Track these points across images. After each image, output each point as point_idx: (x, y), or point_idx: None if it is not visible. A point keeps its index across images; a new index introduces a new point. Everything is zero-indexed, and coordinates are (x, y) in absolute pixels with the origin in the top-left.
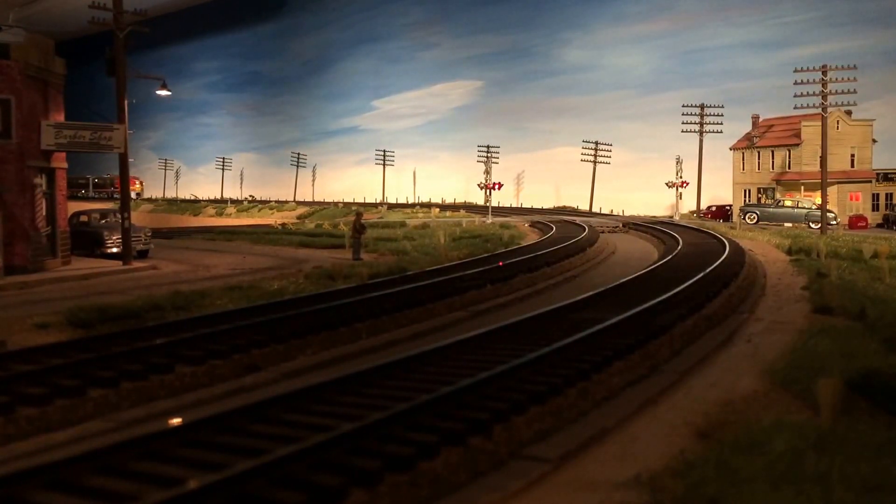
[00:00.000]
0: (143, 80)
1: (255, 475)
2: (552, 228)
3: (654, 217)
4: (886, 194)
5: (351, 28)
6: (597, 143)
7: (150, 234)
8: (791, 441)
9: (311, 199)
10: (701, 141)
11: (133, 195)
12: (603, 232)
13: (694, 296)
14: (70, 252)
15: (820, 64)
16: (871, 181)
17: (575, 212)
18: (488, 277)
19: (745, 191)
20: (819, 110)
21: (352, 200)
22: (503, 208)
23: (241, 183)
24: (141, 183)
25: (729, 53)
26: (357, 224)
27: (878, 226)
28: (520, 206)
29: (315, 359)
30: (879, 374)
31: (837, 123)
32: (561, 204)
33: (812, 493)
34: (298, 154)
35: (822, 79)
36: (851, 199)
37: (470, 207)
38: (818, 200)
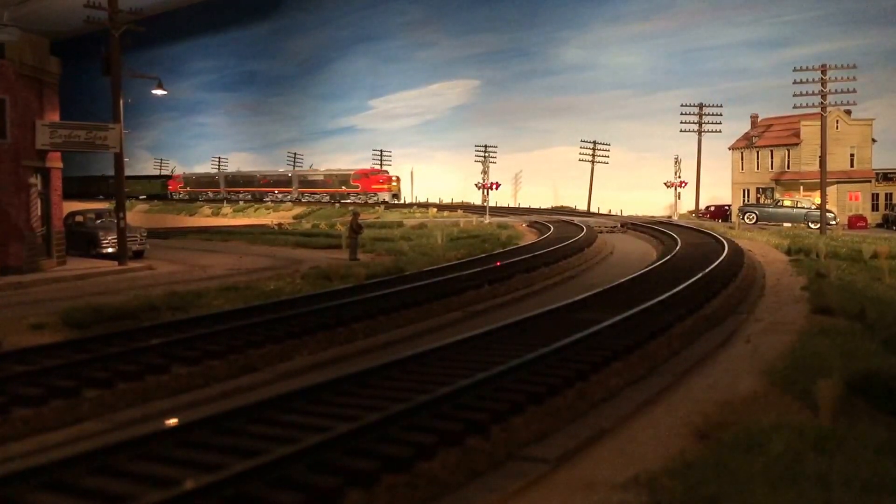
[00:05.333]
0: (139, 79)
1: (253, 476)
2: (550, 229)
3: (653, 217)
4: (886, 194)
5: (347, 27)
6: (595, 142)
7: (145, 234)
8: (790, 442)
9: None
10: (699, 140)
11: (388, 197)
12: (601, 232)
13: (693, 296)
14: (65, 252)
15: (819, 63)
16: (870, 181)
17: (573, 212)
18: (486, 278)
19: (743, 191)
20: (818, 110)
21: (349, 200)
22: (501, 208)
23: None
24: (398, 179)
25: (728, 53)
26: (354, 224)
27: (878, 226)
28: (517, 206)
29: (312, 359)
30: (879, 375)
31: (837, 123)
32: (559, 204)
33: (811, 494)
34: (295, 154)
35: (822, 78)
36: (851, 198)
37: (467, 207)
38: (817, 200)
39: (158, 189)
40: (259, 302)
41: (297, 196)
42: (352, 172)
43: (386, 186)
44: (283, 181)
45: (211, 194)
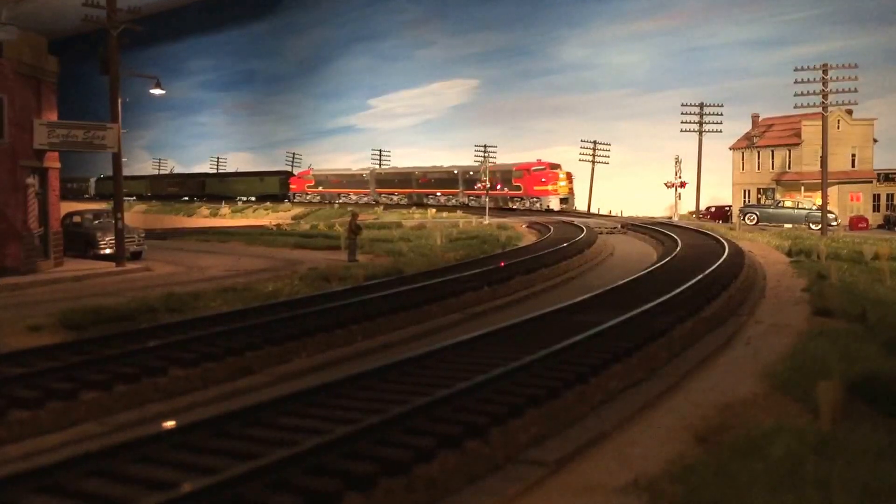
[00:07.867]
0: (137, 78)
1: (250, 479)
2: (550, 230)
3: (653, 218)
4: (887, 195)
5: (346, 26)
6: (595, 142)
7: (143, 235)
8: (791, 445)
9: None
10: (700, 140)
11: (555, 202)
12: (601, 233)
13: (693, 298)
14: (63, 253)
15: (820, 62)
16: (871, 181)
17: (573, 212)
18: (485, 279)
19: (744, 191)
20: (819, 109)
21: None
22: (501, 209)
23: None
24: (569, 177)
25: (728, 52)
26: (353, 225)
27: (879, 227)
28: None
29: (310, 361)
30: (880, 377)
31: (838, 123)
32: None
33: (812, 498)
34: (294, 154)
35: (823, 77)
36: (852, 199)
37: (467, 208)
38: (818, 201)
39: (276, 188)
40: (257, 303)
41: (464, 199)
42: (513, 168)
43: (551, 187)
44: (447, 180)
45: (353, 196)
